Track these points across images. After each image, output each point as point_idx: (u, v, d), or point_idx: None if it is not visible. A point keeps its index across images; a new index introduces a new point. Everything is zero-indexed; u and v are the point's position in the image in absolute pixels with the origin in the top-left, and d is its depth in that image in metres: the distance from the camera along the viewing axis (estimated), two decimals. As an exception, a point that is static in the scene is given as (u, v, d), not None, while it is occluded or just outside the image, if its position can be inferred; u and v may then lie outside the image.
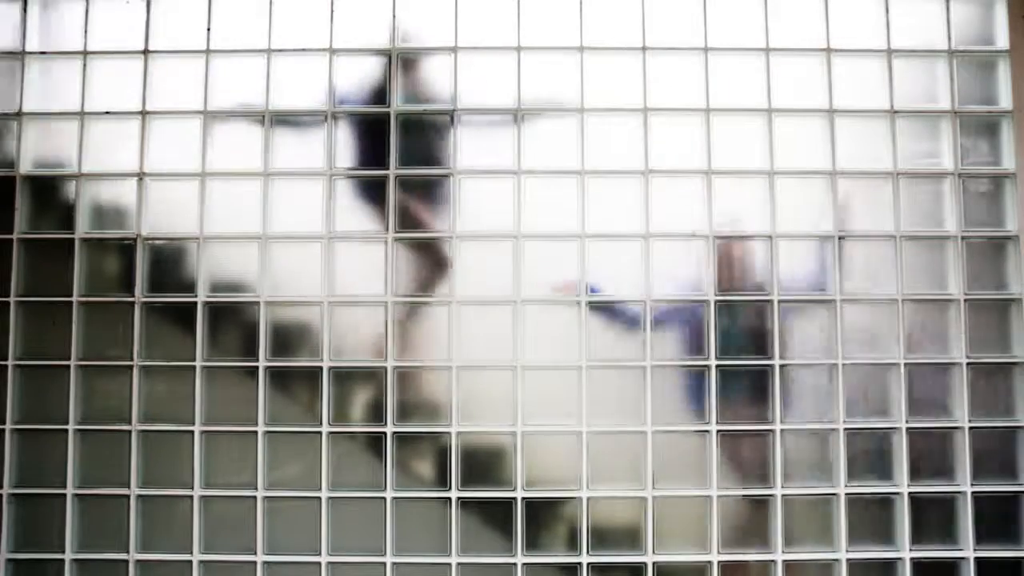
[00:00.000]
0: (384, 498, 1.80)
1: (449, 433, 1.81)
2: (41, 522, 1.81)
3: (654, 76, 1.88)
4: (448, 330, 1.83)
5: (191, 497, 1.80)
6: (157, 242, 1.86)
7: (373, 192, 1.86)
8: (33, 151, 1.88)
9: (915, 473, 1.81)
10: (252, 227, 1.85)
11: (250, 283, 1.85)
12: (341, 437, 1.82)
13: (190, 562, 1.78)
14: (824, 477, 1.81)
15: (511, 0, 1.90)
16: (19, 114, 1.88)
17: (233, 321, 1.85)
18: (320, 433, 1.81)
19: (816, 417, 1.81)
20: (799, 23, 1.90)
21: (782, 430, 1.81)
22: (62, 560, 1.79)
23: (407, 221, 1.85)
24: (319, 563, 1.78)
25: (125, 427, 1.81)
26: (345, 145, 1.87)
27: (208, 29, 1.90)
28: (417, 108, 1.88)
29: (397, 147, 1.87)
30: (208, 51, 1.89)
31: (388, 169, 1.86)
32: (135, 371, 1.82)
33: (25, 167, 1.87)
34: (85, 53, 1.89)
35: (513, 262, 1.84)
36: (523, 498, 1.80)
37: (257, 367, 1.82)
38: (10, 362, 1.82)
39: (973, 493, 1.80)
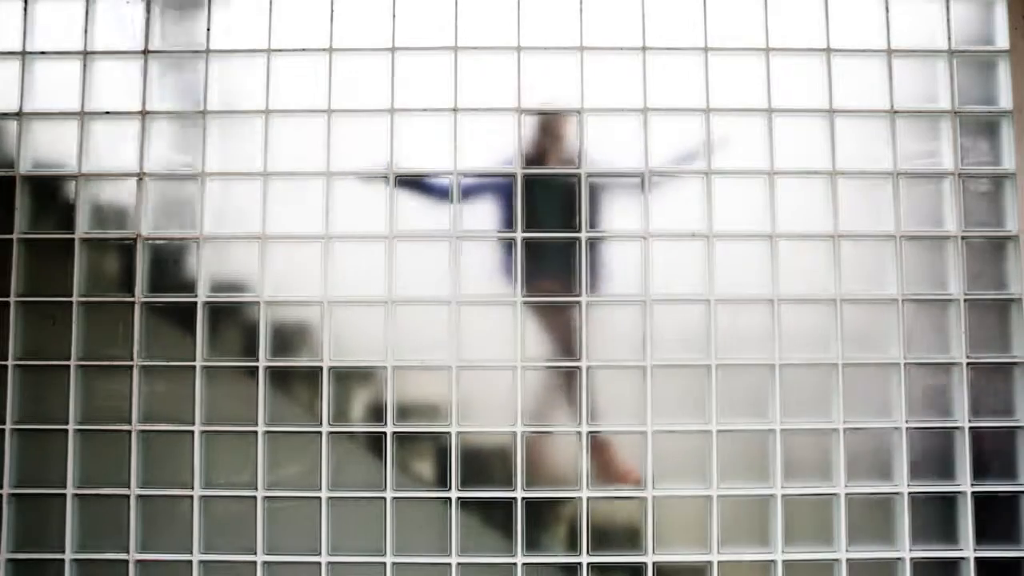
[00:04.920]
0: (384, 498, 1.80)
1: (449, 433, 1.81)
2: (41, 522, 1.81)
3: (654, 76, 1.88)
4: (448, 330, 1.83)
5: (191, 497, 1.80)
6: (157, 242, 1.86)
7: (374, 192, 1.86)
8: (33, 151, 1.88)
9: (915, 473, 1.81)
10: (252, 227, 1.85)
11: (250, 283, 1.85)
12: (341, 437, 1.82)
13: (190, 562, 1.78)
14: (824, 477, 1.81)
15: (511, 0, 1.90)
16: (19, 114, 1.88)
17: (233, 321, 1.85)
18: (320, 433, 1.81)
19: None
20: (799, 23, 1.90)
21: (782, 430, 1.81)
22: (62, 560, 1.79)
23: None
24: (319, 563, 1.78)
25: (125, 427, 1.81)
26: (344, 144, 1.88)
27: (208, 29, 1.90)
28: (419, 107, 1.88)
29: (396, 146, 1.87)
30: (208, 51, 1.89)
31: (388, 169, 1.86)
32: (135, 371, 1.82)
33: (25, 167, 1.87)
34: (85, 53, 1.89)
35: (514, 262, 1.84)
36: (523, 498, 1.80)
37: (257, 367, 1.82)
38: (10, 362, 1.82)
39: (973, 493, 1.80)
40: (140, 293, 1.84)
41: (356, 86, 1.88)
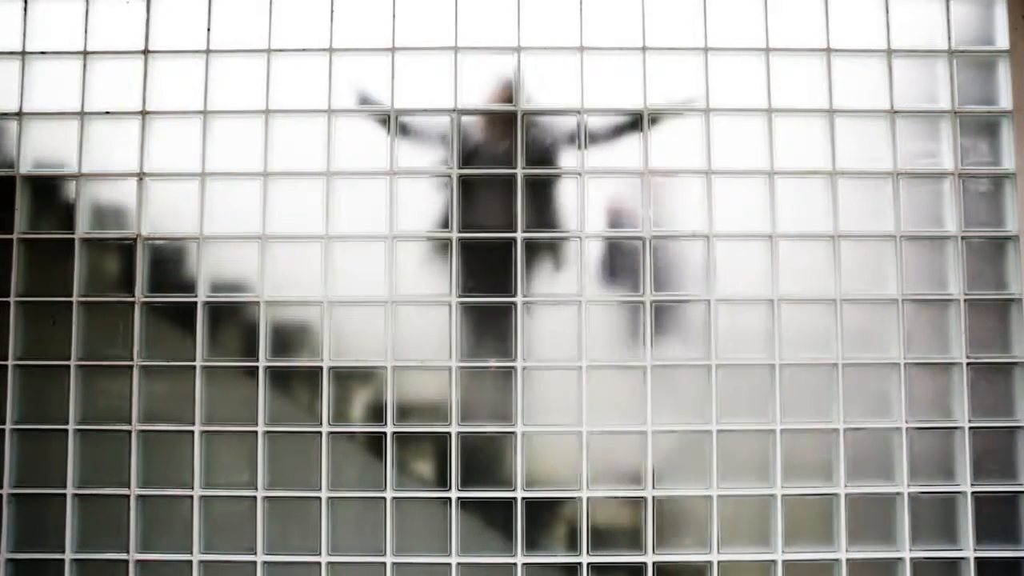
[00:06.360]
0: (384, 498, 1.80)
1: (449, 433, 1.81)
2: (41, 522, 1.81)
3: (654, 76, 1.88)
4: (450, 330, 1.83)
5: (191, 497, 1.80)
6: (157, 242, 1.86)
7: (376, 193, 1.86)
8: (33, 151, 1.88)
9: (915, 473, 1.81)
10: (252, 227, 1.85)
11: (250, 283, 1.85)
12: (341, 437, 1.82)
13: (190, 562, 1.78)
14: (824, 477, 1.81)
15: (509, 0, 1.91)
16: (19, 114, 1.88)
17: (233, 321, 1.85)
18: (320, 433, 1.81)
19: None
20: (799, 23, 1.90)
21: (782, 430, 1.81)
22: (62, 560, 1.79)
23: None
24: (319, 563, 1.78)
25: (125, 427, 1.81)
26: (346, 144, 1.88)
27: (208, 29, 1.90)
28: (416, 107, 1.88)
29: (393, 147, 1.87)
30: (208, 51, 1.89)
31: (388, 169, 1.86)
32: (135, 371, 1.82)
33: (25, 167, 1.87)
34: (85, 53, 1.89)
35: (513, 262, 1.84)
36: (523, 498, 1.80)
37: (257, 367, 1.82)
38: (10, 362, 1.82)
39: (973, 493, 1.80)
40: (140, 293, 1.84)
41: (356, 86, 1.88)
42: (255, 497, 1.80)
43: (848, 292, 1.84)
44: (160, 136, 1.88)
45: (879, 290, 1.85)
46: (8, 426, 1.81)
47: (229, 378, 1.83)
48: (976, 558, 1.79)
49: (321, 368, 1.82)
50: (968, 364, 1.82)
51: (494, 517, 1.80)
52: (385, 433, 1.81)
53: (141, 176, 1.87)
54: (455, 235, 1.85)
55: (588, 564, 1.78)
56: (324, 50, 1.89)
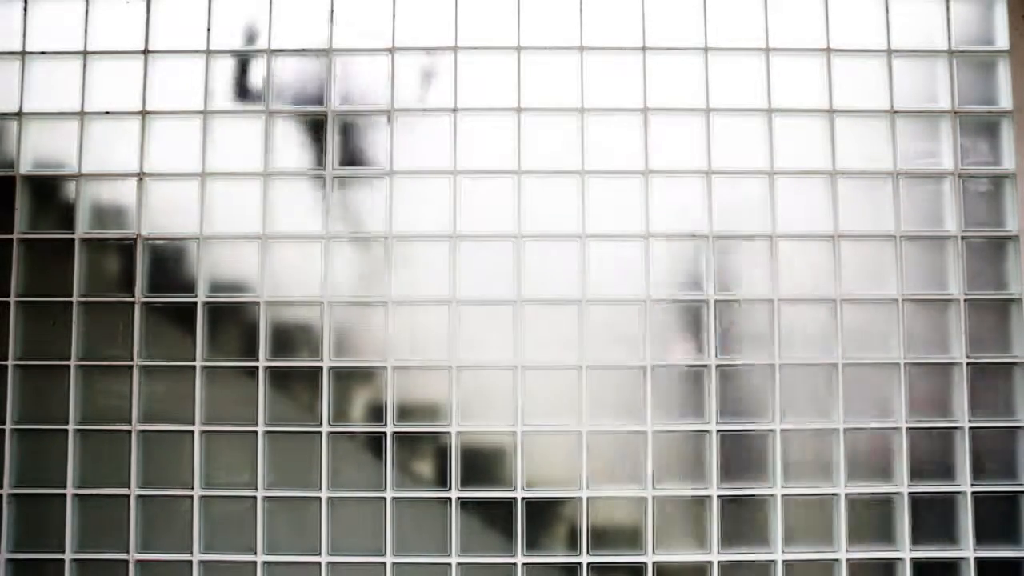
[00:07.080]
0: (384, 498, 1.80)
1: (449, 433, 1.81)
2: (41, 522, 1.81)
3: (654, 76, 1.88)
4: (448, 329, 1.83)
5: (191, 497, 1.80)
6: (157, 242, 1.86)
7: (374, 192, 1.87)
8: (33, 151, 1.88)
9: (915, 473, 1.81)
10: (252, 227, 1.85)
11: (250, 283, 1.85)
12: (341, 437, 1.82)
13: (190, 562, 1.78)
14: (823, 477, 1.81)
15: (511, 0, 1.91)
16: (19, 114, 1.88)
17: (233, 321, 1.85)
18: (320, 433, 1.81)
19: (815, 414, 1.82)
20: (799, 23, 1.90)
21: (782, 430, 1.81)
22: (62, 560, 1.79)
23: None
24: (319, 563, 1.78)
25: (125, 427, 1.81)
26: (345, 144, 1.88)
27: (208, 29, 1.90)
28: (419, 107, 1.88)
29: (392, 147, 1.87)
30: (208, 51, 1.89)
31: (387, 169, 1.86)
32: (135, 371, 1.82)
33: (25, 167, 1.87)
34: (85, 53, 1.89)
35: (514, 262, 1.84)
36: (523, 498, 1.80)
37: (257, 367, 1.82)
38: (10, 362, 1.82)
39: (973, 493, 1.80)
40: (140, 293, 1.84)
41: (356, 86, 1.88)
42: (255, 497, 1.80)
43: (848, 292, 1.84)
44: (160, 136, 1.88)
45: (879, 290, 1.85)
46: (8, 426, 1.81)
47: (229, 378, 1.83)
48: (976, 558, 1.79)
49: (321, 368, 1.82)
50: (968, 364, 1.82)
51: (494, 517, 1.80)
52: (385, 433, 1.81)
53: (141, 176, 1.87)
54: (455, 235, 1.85)
55: (588, 564, 1.78)
56: (323, 50, 1.89)
